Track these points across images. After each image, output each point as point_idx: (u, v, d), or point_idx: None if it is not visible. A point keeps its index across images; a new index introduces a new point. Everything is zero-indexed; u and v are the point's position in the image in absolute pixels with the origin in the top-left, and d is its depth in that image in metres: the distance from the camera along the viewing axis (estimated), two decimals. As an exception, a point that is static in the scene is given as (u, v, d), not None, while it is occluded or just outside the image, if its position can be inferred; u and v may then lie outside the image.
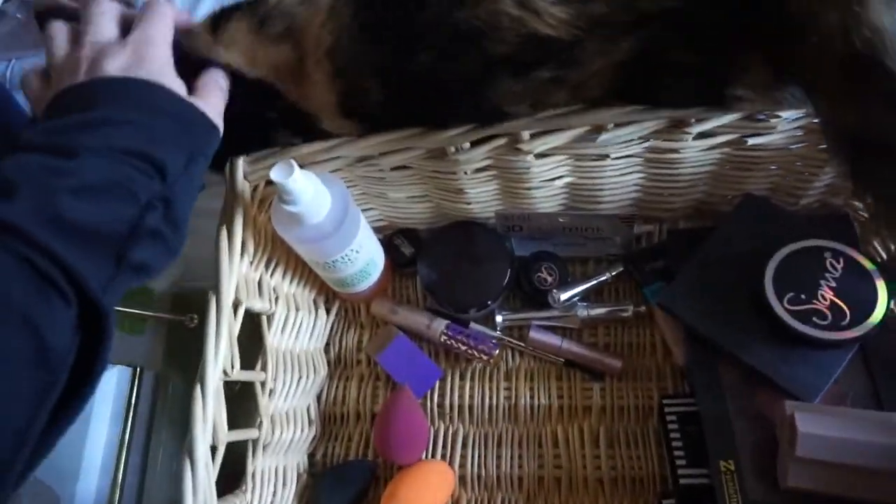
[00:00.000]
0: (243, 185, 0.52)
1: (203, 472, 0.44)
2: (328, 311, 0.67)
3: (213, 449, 0.47)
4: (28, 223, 0.32)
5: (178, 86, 0.41)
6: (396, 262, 0.65)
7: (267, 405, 0.55)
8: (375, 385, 0.65)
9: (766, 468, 0.49)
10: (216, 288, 0.48)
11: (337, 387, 0.65)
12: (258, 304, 0.54)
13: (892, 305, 0.51)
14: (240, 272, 0.51)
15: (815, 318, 0.51)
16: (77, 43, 0.41)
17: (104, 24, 0.41)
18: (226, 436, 0.47)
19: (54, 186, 0.33)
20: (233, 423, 0.49)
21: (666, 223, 0.64)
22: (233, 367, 0.49)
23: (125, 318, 0.68)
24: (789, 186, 0.58)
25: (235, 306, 0.50)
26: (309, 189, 0.48)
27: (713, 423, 0.52)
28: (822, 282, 0.52)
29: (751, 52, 0.42)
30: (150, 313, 0.66)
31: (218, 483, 0.47)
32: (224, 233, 0.50)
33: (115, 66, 0.39)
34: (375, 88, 0.47)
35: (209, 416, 0.45)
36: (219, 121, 0.44)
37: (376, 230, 0.63)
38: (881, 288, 0.51)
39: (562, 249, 0.64)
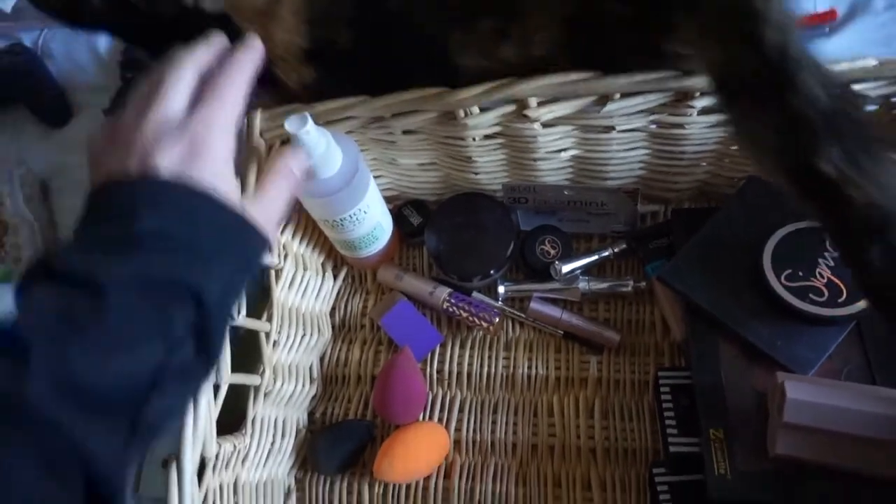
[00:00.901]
0: (259, 141, 0.54)
1: (204, 407, 0.45)
2: (335, 277, 0.69)
3: (216, 388, 0.48)
4: (36, 395, 0.28)
5: (232, 189, 0.37)
6: (404, 231, 0.67)
7: (270, 355, 0.56)
8: (377, 349, 0.66)
9: (755, 437, 0.50)
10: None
11: (340, 349, 0.67)
12: (268, 257, 0.55)
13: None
14: (251, 224, 0.53)
15: (811, 295, 0.52)
16: (142, 115, 0.36)
17: (174, 97, 0.37)
18: (229, 376, 0.49)
19: (69, 342, 0.30)
20: (237, 370, 0.51)
21: (671, 204, 0.65)
22: (238, 312, 0.51)
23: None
24: (793, 170, 0.59)
25: (246, 256, 0.52)
26: (321, 143, 0.49)
27: (706, 393, 0.53)
28: (821, 260, 0.53)
29: (674, 5, 0.41)
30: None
31: (220, 424, 0.49)
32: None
33: (167, 161, 0.35)
34: (345, 35, 0.49)
35: (214, 355, 0.47)
36: (274, 228, 0.41)
37: (386, 200, 0.64)
38: (879, 268, 0.52)
39: (566, 225, 0.65)
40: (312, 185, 0.52)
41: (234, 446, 0.51)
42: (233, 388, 0.52)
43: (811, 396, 0.46)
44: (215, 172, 0.36)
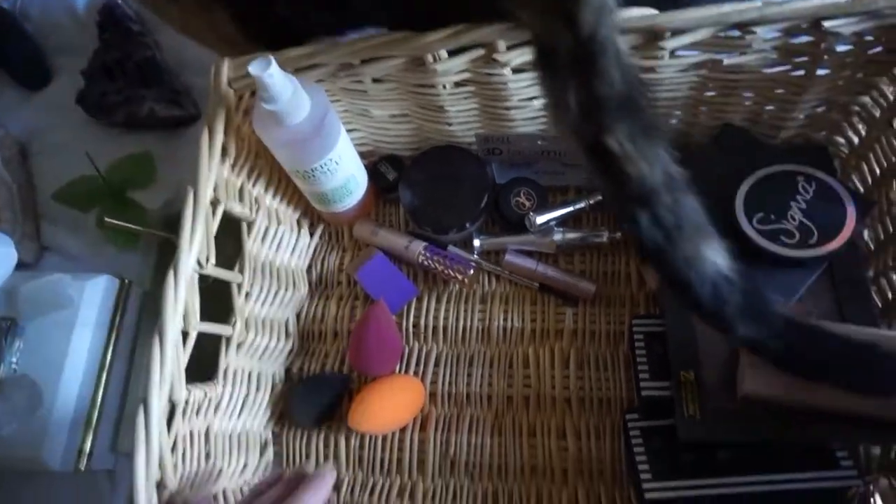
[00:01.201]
0: (227, 90, 0.53)
1: (171, 351, 0.46)
2: (311, 234, 0.69)
3: (185, 335, 0.48)
4: None
5: None
6: (380, 186, 0.66)
7: (242, 306, 0.56)
8: (354, 305, 0.66)
9: (725, 379, 0.50)
10: (194, 181, 0.50)
11: (316, 306, 0.67)
12: (237, 208, 0.55)
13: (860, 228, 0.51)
14: (220, 173, 0.52)
15: (782, 237, 0.51)
16: None
17: None
18: (198, 323, 0.49)
19: None
20: (208, 320, 0.51)
21: (647, 156, 0.65)
22: (207, 261, 0.50)
23: (117, 232, 0.70)
24: (769, 117, 0.58)
25: (214, 204, 0.52)
26: (287, 88, 0.49)
27: (678, 338, 0.53)
28: (793, 203, 0.52)
29: None
30: (142, 229, 0.68)
31: (194, 375, 0.49)
32: (206, 132, 0.51)
33: None
34: None
35: (181, 300, 0.47)
36: None
37: (361, 155, 0.64)
38: (850, 211, 0.51)
39: (542, 178, 0.64)
40: (281, 132, 0.52)
41: (206, 394, 0.52)
42: (208, 343, 0.52)
43: (777, 333, 0.46)
44: None
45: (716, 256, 0.40)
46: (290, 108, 0.50)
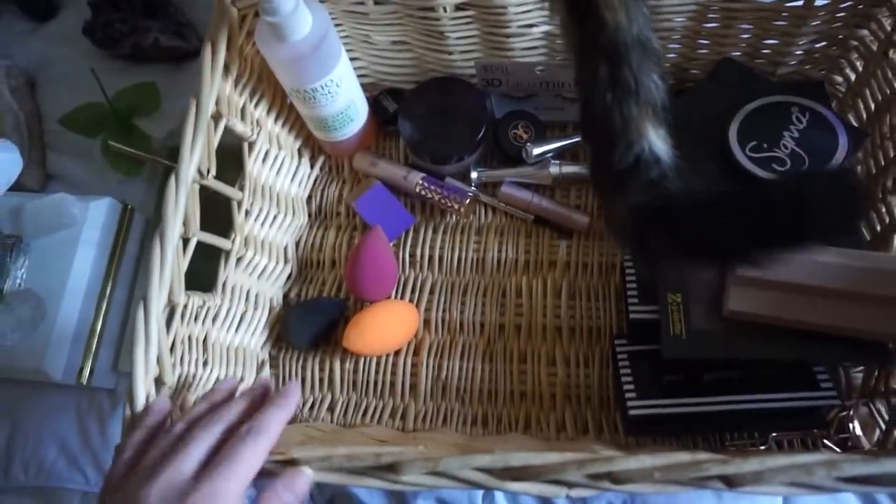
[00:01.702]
0: (230, 7, 0.54)
1: (171, 254, 0.47)
2: (312, 165, 0.70)
3: (185, 241, 0.50)
4: None
5: None
6: (381, 118, 0.67)
7: (242, 224, 0.57)
8: (352, 234, 0.67)
9: (711, 301, 0.51)
10: (197, 94, 0.50)
11: (315, 234, 0.68)
12: (239, 126, 0.56)
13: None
14: (222, 89, 0.53)
15: (774, 165, 0.52)
16: (153, 474, 0.36)
17: (188, 461, 0.37)
18: (197, 231, 0.50)
19: None
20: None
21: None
22: (208, 172, 0.51)
23: (121, 159, 0.71)
24: (768, 52, 0.59)
25: (216, 119, 0.53)
26: (290, 1, 0.49)
27: (666, 262, 0.53)
28: (786, 132, 0.53)
29: None
30: (148, 156, 0.69)
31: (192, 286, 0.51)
32: (208, 45, 0.52)
33: None
34: None
35: (181, 205, 0.48)
36: None
37: (363, 87, 0.65)
38: (842, 140, 0.52)
39: (542, 113, 0.65)
40: (282, 48, 0.53)
41: (204, 302, 0.53)
42: (208, 258, 0.53)
43: (763, 249, 0.47)
44: None
45: (655, 139, 0.39)
46: (292, 22, 0.51)
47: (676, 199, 0.39)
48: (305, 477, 0.39)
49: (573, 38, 0.41)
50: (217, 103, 0.52)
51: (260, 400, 0.44)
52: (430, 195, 0.64)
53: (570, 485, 0.38)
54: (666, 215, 0.39)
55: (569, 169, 0.63)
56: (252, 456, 0.38)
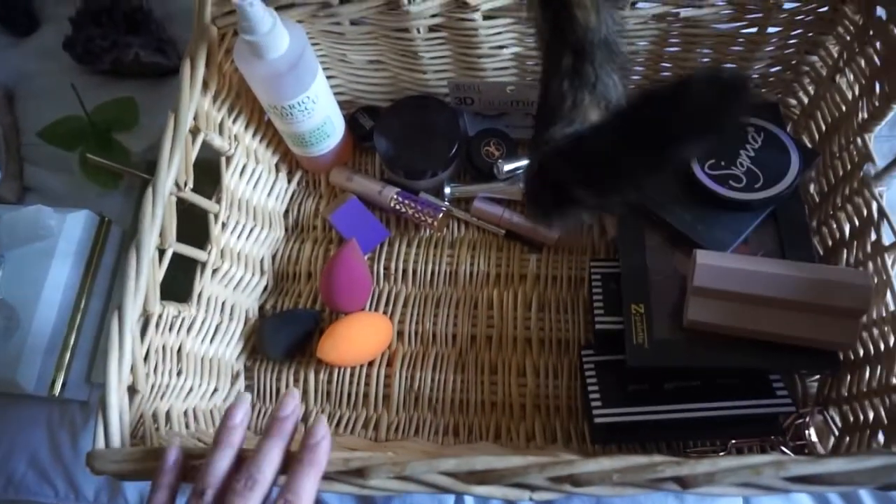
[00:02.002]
0: (209, 25, 0.56)
1: (147, 265, 0.48)
2: (290, 180, 0.71)
3: (161, 252, 0.51)
4: None
5: None
6: (357, 135, 0.69)
7: (218, 236, 0.59)
8: (328, 248, 0.68)
9: (673, 312, 0.53)
10: (175, 108, 0.52)
11: (292, 247, 0.69)
12: (217, 141, 0.58)
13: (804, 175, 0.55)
14: (200, 104, 0.55)
15: (731, 181, 0.55)
16: None
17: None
18: (174, 242, 0.51)
19: None
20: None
21: (613, 114, 0.68)
22: (186, 185, 0.53)
23: (99, 172, 0.71)
24: (726, 76, 0.62)
25: (193, 133, 0.54)
26: (267, 20, 0.51)
27: (631, 274, 0.56)
28: (742, 151, 0.56)
29: None
30: (126, 169, 0.70)
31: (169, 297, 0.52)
32: (188, 62, 0.53)
33: None
34: None
35: (157, 216, 0.49)
36: None
37: (340, 105, 0.66)
38: (795, 158, 0.55)
39: (513, 132, 0.67)
40: (259, 65, 0.54)
41: (179, 312, 0.54)
42: (185, 270, 0.54)
43: (720, 261, 0.49)
44: None
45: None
46: (269, 40, 0.52)
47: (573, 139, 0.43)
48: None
49: (544, 31, 0.43)
50: (195, 118, 0.54)
51: (290, 433, 0.41)
52: (404, 209, 0.65)
53: (533, 488, 0.39)
54: (561, 153, 0.43)
55: (538, 185, 0.65)
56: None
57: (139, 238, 0.48)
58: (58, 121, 0.74)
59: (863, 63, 0.52)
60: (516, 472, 0.39)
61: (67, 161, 0.75)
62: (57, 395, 0.63)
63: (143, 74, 0.78)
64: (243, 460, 0.39)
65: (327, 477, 0.39)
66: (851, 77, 0.54)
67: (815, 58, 0.58)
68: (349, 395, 0.63)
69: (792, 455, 0.54)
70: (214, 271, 0.58)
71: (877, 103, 0.50)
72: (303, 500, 0.36)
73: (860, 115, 0.53)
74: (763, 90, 0.63)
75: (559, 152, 0.43)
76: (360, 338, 0.61)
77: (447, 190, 0.66)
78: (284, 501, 0.36)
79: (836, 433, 0.53)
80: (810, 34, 0.56)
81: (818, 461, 0.36)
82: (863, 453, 0.37)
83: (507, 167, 0.64)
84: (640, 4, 0.55)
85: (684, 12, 0.54)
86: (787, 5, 0.53)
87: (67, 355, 0.64)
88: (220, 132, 0.58)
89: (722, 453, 0.54)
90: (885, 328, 0.48)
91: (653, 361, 0.51)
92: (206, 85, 0.55)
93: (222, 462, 0.38)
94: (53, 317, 0.64)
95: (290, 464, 0.38)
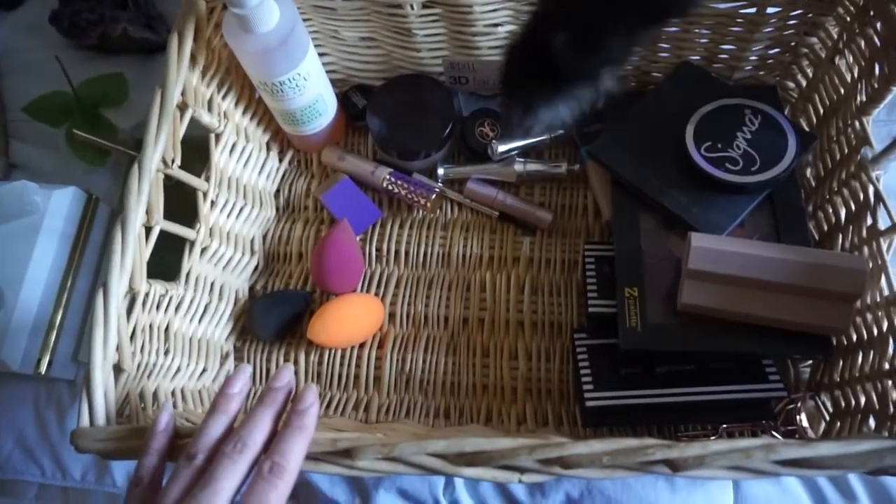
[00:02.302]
0: (198, 0, 0.54)
1: (133, 242, 0.47)
2: (281, 160, 0.70)
3: (148, 230, 0.50)
4: None
5: None
6: (350, 113, 0.68)
7: (207, 214, 0.58)
8: (319, 228, 0.67)
9: (666, 295, 0.53)
10: (163, 83, 0.51)
11: (283, 227, 0.68)
12: (206, 117, 0.56)
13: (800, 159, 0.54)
14: (189, 80, 0.53)
15: (727, 164, 0.54)
16: None
17: (220, 496, 0.35)
18: (161, 220, 0.50)
19: None
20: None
21: (609, 95, 0.67)
22: (173, 162, 0.51)
23: (86, 149, 0.70)
24: (725, 57, 0.61)
25: (182, 109, 0.53)
26: (256, -7, 0.50)
27: (625, 257, 0.55)
28: (739, 134, 0.55)
29: None
30: (113, 145, 0.68)
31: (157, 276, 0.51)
32: (175, 37, 0.52)
33: None
34: None
35: (144, 193, 0.48)
36: None
37: (332, 84, 0.65)
38: (792, 142, 0.54)
39: (507, 112, 0.66)
40: (248, 40, 0.53)
41: (167, 291, 0.53)
42: (173, 250, 0.54)
43: (714, 244, 0.49)
44: None
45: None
46: (259, 14, 0.51)
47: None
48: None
49: None
50: (183, 94, 0.52)
51: (283, 403, 0.40)
52: (397, 190, 0.64)
53: (522, 470, 0.39)
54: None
55: (533, 167, 0.64)
56: (277, 499, 0.35)
57: (125, 214, 0.47)
58: (44, 96, 0.72)
59: (862, 44, 0.51)
60: (506, 455, 0.38)
61: (54, 138, 0.73)
62: (43, 373, 0.62)
63: (131, 50, 0.77)
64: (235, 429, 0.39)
65: (315, 458, 0.39)
66: (850, 59, 0.53)
67: (814, 39, 0.57)
68: (340, 376, 0.62)
69: (782, 439, 0.54)
70: (203, 250, 0.57)
71: (876, 85, 0.50)
72: (290, 463, 0.36)
73: (858, 98, 0.52)
74: (761, 73, 0.62)
75: (548, 10, 0.42)
76: (351, 319, 0.60)
77: (440, 171, 0.65)
78: (271, 463, 0.36)
79: (828, 418, 0.52)
80: (809, 15, 0.55)
81: (808, 445, 0.36)
82: (853, 437, 0.36)
83: (502, 148, 0.63)
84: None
85: (683, -10, 0.53)
86: (787, -16, 0.52)
87: (54, 334, 0.63)
88: (209, 109, 0.57)
89: (713, 437, 0.54)
90: (879, 313, 0.47)
91: (646, 345, 0.51)
92: (194, 60, 0.54)
93: (216, 428, 0.38)
94: (39, 294, 0.63)
95: (280, 429, 0.38)
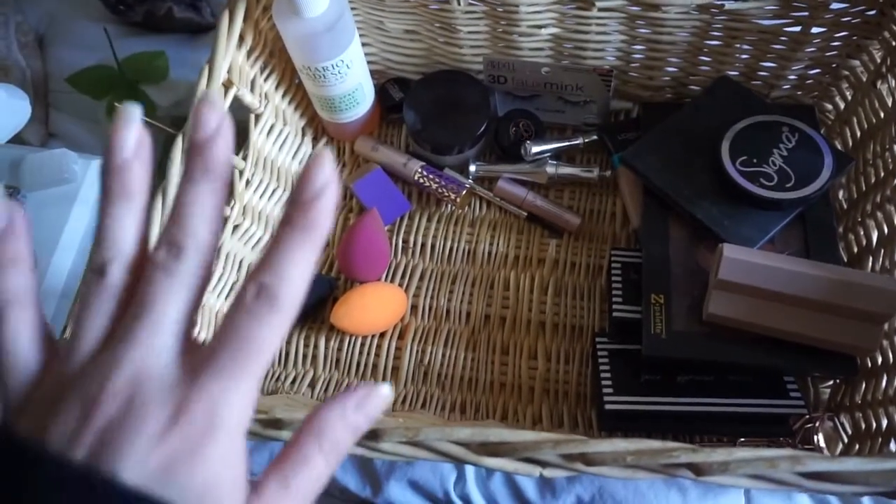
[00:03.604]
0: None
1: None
2: (314, 146, 0.71)
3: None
4: None
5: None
6: (386, 105, 0.69)
7: (242, 192, 0.58)
8: (348, 216, 0.68)
9: (692, 305, 0.53)
10: (211, 60, 0.51)
11: (311, 213, 0.69)
12: (248, 97, 0.57)
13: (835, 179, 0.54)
14: (235, 59, 0.54)
15: (762, 179, 0.54)
16: (113, 355, 0.22)
17: (168, 328, 0.22)
18: (199, 193, 0.51)
19: None
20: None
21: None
22: (215, 138, 0.52)
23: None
24: (764, 74, 0.61)
25: (226, 87, 0.54)
26: (309, -22, 0.51)
27: (653, 264, 0.55)
28: (776, 150, 0.55)
29: None
30: (153, 122, 0.69)
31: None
32: (226, 14, 0.53)
33: (140, 460, 0.20)
34: None
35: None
36: None
37: (371, 74, 0.66)
38: (828, 162, 0.54)
39: (543, 115, 0.67)
40: (297, 23, 0.54)
41: (198, 265, 0.54)
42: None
43: (747, 256, 0.49)
44: (216, 482, 0.22)
45: None
46: (310, -1, 0.52)
47: None
48: (382, 397, 0.27)
49: None
50: (229, 72, 0.53)
51: (223, 169, 0.25)
52: (427, 184, 0.65)
53: (544, 464, 0.39)
54: None
55: (565, 170, 0.64)
56: (268, 341, 0.23)
57: (165, 185, 0.48)
58: (88, 68, 0.73)
59: (907, 70, 0.52)
60: (529, 447, 0.39)
61: (93, 110, 0.74)
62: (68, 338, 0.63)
63: (174, 29, 0.78)
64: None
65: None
66: (893, 83, 0.53)
67: (856, 62, 0.58)
68: (358, 363, 0.63)
69: (800, 457, 0.54)
70: (235, 227, 0.58)
71: (917, 111, 0.50)
72: (287, 286, 0.24)
73: (899, 123, 0.52)
74: (799, 92, 0.63)
75: None
76: (374, 307, 0.61)
77: (472, 168, 0.66)
78: (258, 286, 0.23)
79: (846, 440, 0.52)
80: (854, 37, 0.56)
81: (835, 459, 0.36)
82: (880, 455, 0.36)
83: (535, 149, 0.63)
84: (685, -7, 0.54)
85: (729, 4, 0.54)
86: (834, 5, 0.53)
87: (81, 301, 0.64)
88: (252, 89, 0.58)
89: (729, 450, 0.54)
90: (907, 337, 0.47)
91: (669, 352, 0.51)
92: (241, 39, 0.55)
93: (125, 220, 0.24)
94: (70, 262, 0.64)
95: (276, 228, 0.25)
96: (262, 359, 0.23)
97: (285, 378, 0.63)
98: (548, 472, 0.40)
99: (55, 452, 0.20)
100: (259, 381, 0.23)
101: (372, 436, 0.39)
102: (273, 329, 0.23)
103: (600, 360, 0.56)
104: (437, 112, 0.65)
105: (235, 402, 0.22)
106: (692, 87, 0.64)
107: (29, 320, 0.24)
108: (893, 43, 0.53)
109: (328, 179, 0.24)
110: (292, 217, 0.24)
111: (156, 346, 0.22)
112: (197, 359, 0.23)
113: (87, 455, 0.20)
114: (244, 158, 0.58)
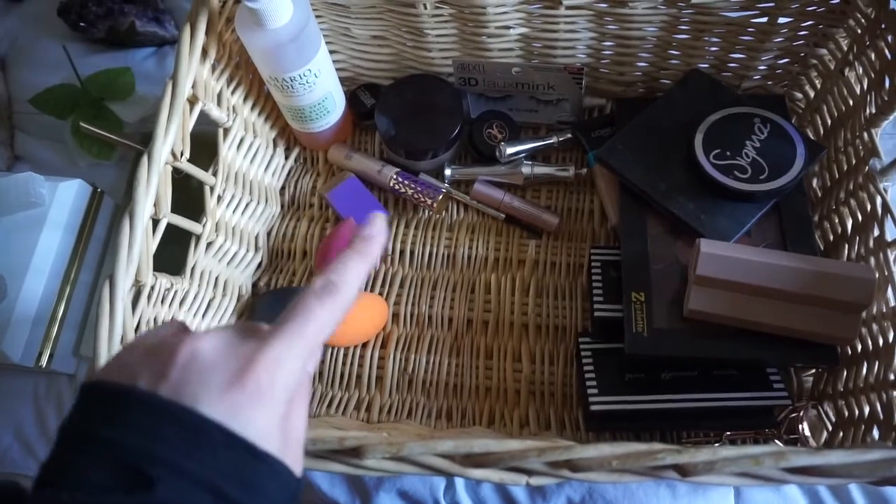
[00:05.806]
0: (213, -2, 0.54)
1: (141, 234, 0.46)
2: (287, 157, 0.70)
3: (155, 223, 0.49)
4: None
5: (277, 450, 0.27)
6: (358, 112, 0.68)
7: (214, 209, 0.57)
8: (324, 226, 0.67)
9: (672, 301, 0.53)
10: (174, 75, 0.50)
11: (287, 224, 0.68)
12: (215, 111, 0.56)
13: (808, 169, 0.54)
14: (199, 73, 0.53)
15: (736, 172, 0.54)
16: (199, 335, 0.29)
17: None
18: (168, 213, 0.50)
19: None
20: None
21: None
22: (182, 155, 0.51)
23: (92, 142, 0.70)
24: (734, 65, 0.61)
25: (191, 102, 0.53)
26: (271, -12, 0.50)
27: (632, 262, 0.55)
28: (748, 142, 0.55)
29: None
30: (119, 139, 0.68)
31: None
32: (187, 28, 0.52)
33: (210, 401, 0.26)
34: None
35: (153, 185, 0.48)
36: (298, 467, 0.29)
37: (341, 81, 0.65)
38: (800, 151, 0.54)
39: (516, 115, 0.66)
40: (261, 35, 0.53)
41: (172, 284, 0.53)
42: (179, 243, 0.53)
43: (724, 251, 0.49)
44: (265, 432, 0.27)
45: None
46: (272, 9, 0.51)
47: None
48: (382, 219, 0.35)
49: None
50: (194, 87, 0.52)
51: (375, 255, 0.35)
52: (403, 190, 0.64)
53: (530, 472, 0.39)
54: None
55: (540, 170, 0.64)
56: (326, 319, 0.30)
57: (133, 206, 0.46)
58: (51, 88, 0.72)
59: (873, 56, 0.52)
60: (514, 456, 0.38)
61: (59, 130, 0.73)
62: (44, 366, 0.62)
63: (138, 44, 0.77)
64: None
65: (321, 456, 0.39)
66: (860, 71, 0.54)
67: (823, 50, 0.58)
68: (342, 375, 0.62)
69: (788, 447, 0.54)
70: (209, 245, 0.57)
71: (885, 98, 0.50)
72: (345, 284, 0.31)
73: (867, 110, 0.52)
74: (769, 82, 0.63)
75: None
76: (354, 318, 0.60)
77: (448, 172, 0.65)
78: (326, 280, 0.31)
79: (830, 428, 0.53)
80: (820, 26, 0.56)
81: (818, 453, 0.36)
82: (861, 447, 0.36)
83: (510, 150, 0.63)
84: (651, -12, 0.54)
85: (696, -2, 0.54)
86: (799, -5, 0.53)
87: (56, 327, 0.63)
88: (219, 103, 0.57)
89: (717, 444, 0.54)
90: (885, 324, 0.47)
91: (651, 350, 0.51)
92: (205, 53, 0.54)
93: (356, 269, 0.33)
94: (42, 287, 0.63)
95: (342, 253, 0.33)
96: (319, 331, 0.30)
97: (268, 394, 0.62)
98: (534, 481, 0.39)
99: (144, 388, 0.26)
100: (313, 351, 0.30)
101: (355, 452, 0.38)
102: (331, 311, 0.30)
103: (584, 361, 0.55)
104: (409, 117, 0.64)
105: (292, 361, 0.28)
106: (664, 80, 0.64)
107: None
108: (859, 31, 0.53)
109: (382, 229, 0.34)
110: (356, 244, 0.33)
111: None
112: (272, 326, 0.30)
113: (170, 393, 0.26)
114: (214, 174, 0.57)
